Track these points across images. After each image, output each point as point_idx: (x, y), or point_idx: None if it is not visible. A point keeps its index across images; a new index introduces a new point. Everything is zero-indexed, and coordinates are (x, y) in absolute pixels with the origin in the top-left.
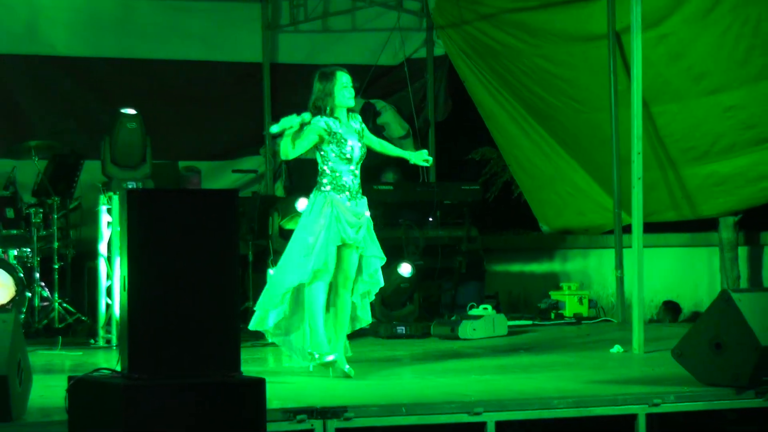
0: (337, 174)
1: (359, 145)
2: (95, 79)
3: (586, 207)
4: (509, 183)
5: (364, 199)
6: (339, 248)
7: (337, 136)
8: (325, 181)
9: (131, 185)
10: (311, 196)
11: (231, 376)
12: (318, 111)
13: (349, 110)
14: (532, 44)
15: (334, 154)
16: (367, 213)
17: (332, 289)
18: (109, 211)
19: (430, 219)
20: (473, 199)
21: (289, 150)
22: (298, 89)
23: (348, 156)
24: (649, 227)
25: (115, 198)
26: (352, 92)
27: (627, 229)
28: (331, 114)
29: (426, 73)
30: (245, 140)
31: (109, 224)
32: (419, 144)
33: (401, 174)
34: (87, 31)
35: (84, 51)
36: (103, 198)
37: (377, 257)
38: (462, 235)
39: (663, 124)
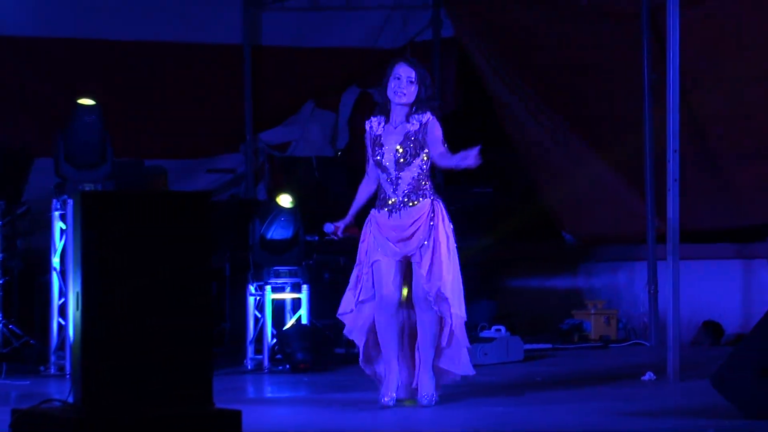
0: (379, 185)
1: (397, 148)
2: (48, 63)
3: (615, 213)
4: (527, 186)
5: (422, 204)
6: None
7: (377, 140)
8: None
9: (88, 187)
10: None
11: (202, 409)
12: (380, 106)
13: (416, 107)
14: (554, 22)
15: (372, 162)
16: (426, 219)
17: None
18: (63, 217)
19: None
20: (486, 204)
21: None
22: (285, 75)
23: (382, 162)
24: (688, 236)
25: (70, 202)
26: (408, 87)
27: (662, 238)
28: (386, 110)
29: (433, 57)
30: (223, 135)
31: (63, 232)
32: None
33: None
34: (39, 6)
35: (35, 30)
36: (55, 202)
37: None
38: (472, 246)
39: (705, 117)
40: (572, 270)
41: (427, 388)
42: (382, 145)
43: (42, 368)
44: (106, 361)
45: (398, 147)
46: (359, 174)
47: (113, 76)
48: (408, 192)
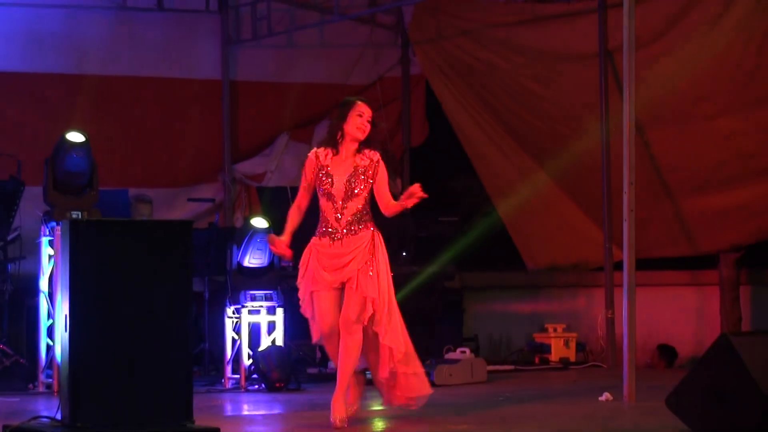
0: (323, 214)
1: (347, 180)
2: (37, 96)
3: (574, 241)
4: (491, 215)
5: (363, 233)
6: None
7: (324, 170)
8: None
9: (76, 215)
10: None
11: (183, 426)
12: (324, 141)
13: (364, 146)
14: (517, 63)
15: (319, 192)
16: (365, 248)
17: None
18: (51, 243)
19: (404, 254)
20: (451, 232)
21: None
22: (261, 109)
23: (330, 192)
24: (644, 264)
25: (59, 228)
26: (366, 125)
27: (619, 265)
28: (339, 143)
29: (401, 93)
30: (202, 166)
31: (51, 257)
32: (393, 171)
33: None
34: (27, 43)
35: (23, 65)
36: (45, 228)
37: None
38: (438, 272)
39: (659, 152)
40: (534, 295)
41: (337, 413)
42: (330, 176)
43: (31, 386)
44: (91, 380)
45: (348, 179)
46: None
47: (99, 108)
48: (351, 221)
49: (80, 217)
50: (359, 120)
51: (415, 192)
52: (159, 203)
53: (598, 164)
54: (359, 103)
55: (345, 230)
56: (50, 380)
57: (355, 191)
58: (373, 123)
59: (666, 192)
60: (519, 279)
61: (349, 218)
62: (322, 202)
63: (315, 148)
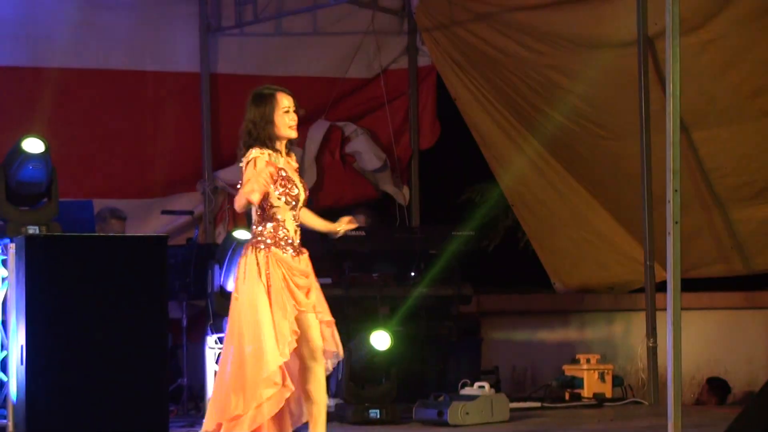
0: (282, 223)
1: (303, 185)
2: None
3: (609, 258)
4: (513, 228)
5: (306, 254)
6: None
7: (283, 174)
8: (265, 233)
9: (32, 230)
10: (245, 258)
11: None
12: (255, 142)
13: (290, 143)
14: (542, 52)
15: (282, 199)
16: (312, 272)
17: (301, 365)
18: (4, 263)
19: (413, 273)
20: (467, 248)
21: (248, 200)
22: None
23: (295, 200)
24: (690, 284)
25: (13, 246)
26: (295, 119)
27: (662, 286)
28: (272, 146)
29: (408, 88)
30: (178, 173)
31: (3, 279)
32: (399, 177)
33: (376, 216)
34: None
35: None
36: None
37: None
38: (452, 295)
39: (708, 155)
40: (563, 321)
41: None
42: (291, 181)
43: None
44: (53, 421)
45: (304, 184)
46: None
47: (59, 107)
48: (300, 235)
49: (37, 232)
50: (288, 117)
51: (340, 228)
52: (129, 216)
53: (636, 169)
54: (279, 95)
55: (300, 246)
56: (4, 421)
57: (306, 197)
58: (297, 111)
59: (715, 201)
60: (545, 302)
61: (299, 231)
62: (281, 210)
63: (257, 148)
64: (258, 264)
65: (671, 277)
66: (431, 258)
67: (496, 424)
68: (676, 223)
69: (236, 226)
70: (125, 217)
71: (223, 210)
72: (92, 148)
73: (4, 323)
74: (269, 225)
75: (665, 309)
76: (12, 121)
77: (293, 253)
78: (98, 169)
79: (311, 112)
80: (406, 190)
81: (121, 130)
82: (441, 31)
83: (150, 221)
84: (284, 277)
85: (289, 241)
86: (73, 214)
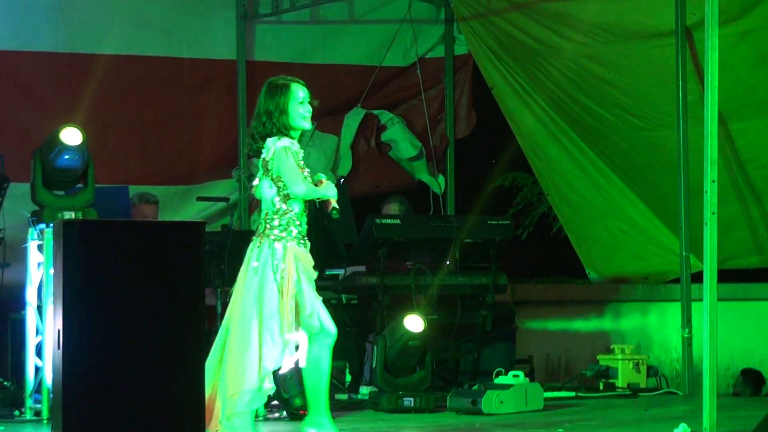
0: (299, 217)
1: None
2: (24, 79)
3: (645, 249)
4: (547, 217)
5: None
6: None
7: (301, 165)
8: (280, 226)
9: (69, 216)
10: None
11: None
12: (268, 133)
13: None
14: (579, 42)
15: None
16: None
17: None
18: (40, 248)
19: (447, 262)
20: (502, 237)
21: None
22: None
23: None
24: (726, 275)
25: (49, 231)
26: (310, 111)
27: (697, 277)
28: (287, 136)
29: (444, 77)
30: (214, 160)
31: (40, 265)
32: (434, 166)
33: (410, 204)
34: (14, 18)
35: (10, 43)
36: (32, 231)
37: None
38: (487, 283)
39: (745, 145)
40: (598, 311)
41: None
42: (311, 173)
43: (17, 413)
44: (88, 406)
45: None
46: (364, 203)
47: (96, 93)
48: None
49: (73, 217)
50: (304, 107)
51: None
52: (164, 203)
53: (673, 160)
54: (294, 85)
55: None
56: (39, 406)
57: None
58: (311, 102)
59: (752, 192)
60: (580, 292)
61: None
62: (298, 202)
63: (286, 139)
64: (275, 256)
65: (708, 267)
66: (466, 247)
67: (530, 413)
68: (713, 213)
69: None
70: (157, 201)
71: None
72: (129, 134)
73: (40, 308)
74: (287, 216)
75: (700, 300)
76: (50, 106)
77: (305, 250)
78: (135, 156)
79: (347, 100)
80: (441, 179)
81: (158, 116)
82: (478, 20)
83: (186, 208)
84: (299, 270)
85: (304, 235)
86: (110, 200)
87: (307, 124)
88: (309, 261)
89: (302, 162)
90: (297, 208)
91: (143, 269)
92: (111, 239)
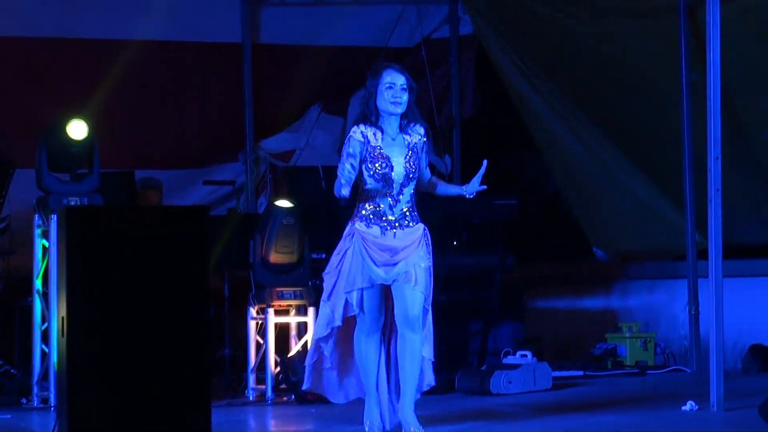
0: (372, 199)
1: (404, 162)
2: (29, 64)
3: (651, 226)
4: (554, 196)
5: (416, 227)
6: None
7: (376, 151)
8: (358, 206)
9: (74, 201)
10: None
11: None
12: (364, 117)
13: (407, 119)
14: (581, 19)
15: (369, 173)
16: (418, 245)
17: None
18: (45, 234)
19: (455, 242)
20: (509, 216)
21: (338, 185)
22: (288, 77)
23: (389, 176)
24: (733, 252)
25: (54, 218)
26: (402, 96)
27: (704, 254)
28: (376, 121)
29: (449, 57)
30: (220, 143)
31: (45, 251)
32: (440, 146)
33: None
34: (18, 3)
35: (14, 29)
36: (38, 218)
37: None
38: (495, 263)
39: (749, 122)
40: (605, 290)
41: (414, 421)
42: (387, 158)
43: (24, 400)
44: (94, 393)
45: (407, 161)
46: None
47: (100, 78)
48: (405, 211)
49: (78, 204)
50: (390, 93)
51: (475, 185)
52: (170, 187)
53: (678, 137)
54: (385, 70)
55: (398, 221)
56: (46, 393)
57: (411, 175)
58: (411, 88)
59: (757, 168)
60: (588, 271)
61: (403, 207)
62: (372, 187)
63: (360, 125)
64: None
65: (713, 244)
66: (473, 227)
67: (538, 392)
68: (718, 190)
69: (277, 196)
70: (160, 186)
71: (265, 180)
72: (134, 119)
73: (46, 295)
74: (361, 199)
75: (707, 276)
76: (54, 91)
77: (380, 232)
78: (140, 140)
79: (353, 82)
80: (447, 159)
81: (162, 101)
82: None
83: (192, 191)
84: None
85: (381, 219)
86: (115, 186)
87: (395, 108)
88: (373, 244)
89: (351, 149)
90: (370, 191)
91: (148, 254)
92: (116, 224)
